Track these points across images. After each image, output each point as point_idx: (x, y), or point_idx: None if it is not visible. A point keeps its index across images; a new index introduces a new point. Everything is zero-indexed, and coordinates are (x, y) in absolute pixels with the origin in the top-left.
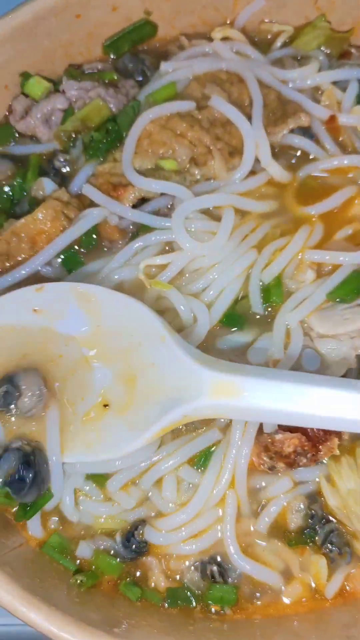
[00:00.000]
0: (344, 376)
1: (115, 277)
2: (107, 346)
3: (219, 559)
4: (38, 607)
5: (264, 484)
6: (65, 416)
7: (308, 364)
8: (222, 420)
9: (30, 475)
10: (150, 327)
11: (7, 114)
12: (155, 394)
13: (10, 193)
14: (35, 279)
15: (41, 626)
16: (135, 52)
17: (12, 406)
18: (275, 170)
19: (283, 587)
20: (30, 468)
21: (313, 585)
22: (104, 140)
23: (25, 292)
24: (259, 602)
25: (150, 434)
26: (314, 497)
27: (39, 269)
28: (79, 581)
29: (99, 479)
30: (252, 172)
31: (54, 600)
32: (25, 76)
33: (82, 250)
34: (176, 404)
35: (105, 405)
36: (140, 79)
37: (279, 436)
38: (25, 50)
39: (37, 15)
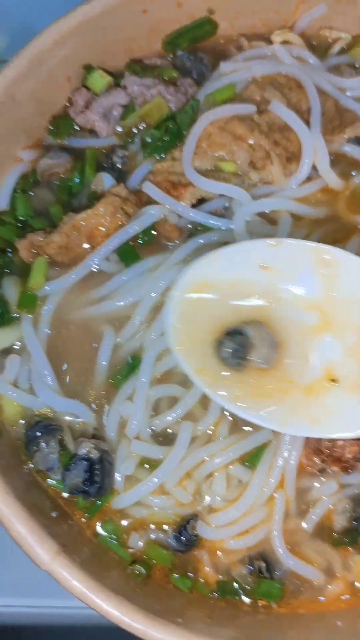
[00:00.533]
0: None
1: (169, 276)
2: (339, 317)
3: (265, 555)
4: (108, 596)
5: (311, 485)
6: (283, 380)
7: None
8: None
9: (96, 486)
10: None
11: (68, 105)
12: None
13: (70, 186)
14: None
15: (113, 616)
16: (193, 50)
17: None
18: (332, 178)
19: (325, 585)
20: (95, 482)
21: (356, 584)
22: (164, 139)
23: (257, 244)
24: (302, 598)
25: None
26: (359, 500)
27: (97, 263)
28: (137, 571)
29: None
30: (308, 178)
31: (120, 590)
32: (88, 69)
33: (139, 245)
34: None
35: (332, 380)
36: (199, 77)
37: (341, 442)
38: (91, 44)
39: (107, 9)
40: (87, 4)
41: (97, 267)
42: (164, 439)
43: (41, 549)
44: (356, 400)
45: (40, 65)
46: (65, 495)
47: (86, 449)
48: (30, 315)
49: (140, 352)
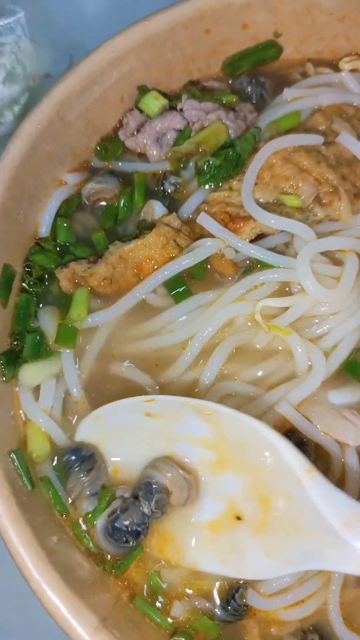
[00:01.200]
0: None
1: (224, 314)
2: (234, 457)
3: (320, 627)
4: None
5: None
6: (187, 516)
7: None
8: None
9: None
10: (286, 459)
11: (118, 127)
12: (293, 529)
13: (116, 212)
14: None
15: None
16: (254, 74)
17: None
18: None
19: None
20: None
21: None
22: (222, 167)
23: (134, 402)
24: None
25: (291, 571)
26: None
27: (144, 297)
28: None
29: None
30: None
31: None
32: (143, 90)
33: (191, 280)
34: (317, 558)
35: (238, 518)
36: (259, 103)
37: None
38: (149, 63)
39: (171, 26)
40: (146, 20)
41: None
42: None
43: (80, 625)
44: (257, 543)
45: (94, 85)
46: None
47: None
48: (69, 350)
49: None
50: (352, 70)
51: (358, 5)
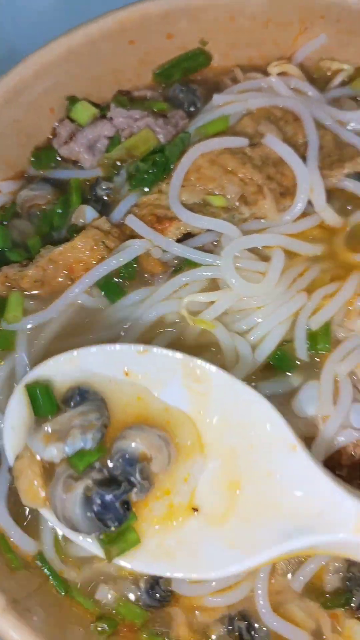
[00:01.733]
0: None
1: (154, 312)
2: (208, 437)
3: (247, 614)
4: None
5: None
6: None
7: (358, 420)
8: None
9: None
10: (274, 431)
11: (51, 137)
12: (268, 511)
13: (49, 218)
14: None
15: None
16: (186, 82)
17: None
18: (329, 216)
19: None
20: None
21: None
22: (151, 171)
23: (124, 349)
24: None
25: (262, 559)
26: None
27: (78, 299)
28: (100, 629)
29: None
30: (303, 214)
31: None
32: (72, 100)
33: (121, 280)
34: (302, 531)
35: (193, 509)
36: (191, 109)
37: None
38: (75, 75)
39: (92, 39)
40: (67, 34)
41: (79, 301)
42: None
43: None
44: (214, 534)
45: (20, 96)
46: None
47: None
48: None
49: None
50: (281, 74)
51: (280, 9)
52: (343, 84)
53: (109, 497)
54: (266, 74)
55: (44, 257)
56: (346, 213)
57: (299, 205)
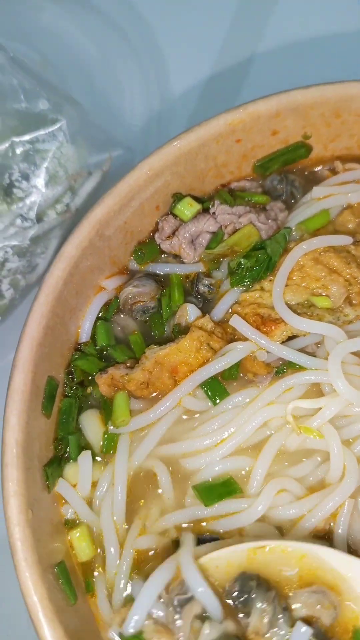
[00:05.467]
0: None
1: (260, 417)
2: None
3: None
4: None
5: None
6: None
7: None
8: None
9: None
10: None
11: (153, 231)
12: None
13: (155, 319)
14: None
15: None
16: (284, 172)
17: None
18: None
19: None
20: None
21: None
22: (254, 268)
23: (239, 550)
24: None
25: None
26: None
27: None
28: None
29: None
30: None
31: None
32: (177, 197)
33: (224, 380)
34: None
35: None
36: (288, 200)
37: None
38: (182, 174)
39: (202, 143)
40: (180, 138)
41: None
42: None
43: None
44: None
45: (132, 201)
46: None
47: None
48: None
49: None
50: None
51: None
52: None
53: None
54: None
55: (150, 359)
56: None
57: None
